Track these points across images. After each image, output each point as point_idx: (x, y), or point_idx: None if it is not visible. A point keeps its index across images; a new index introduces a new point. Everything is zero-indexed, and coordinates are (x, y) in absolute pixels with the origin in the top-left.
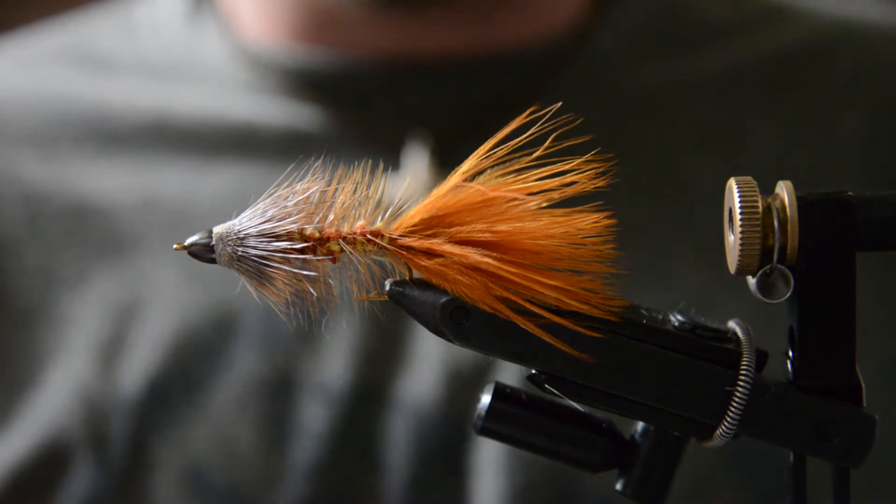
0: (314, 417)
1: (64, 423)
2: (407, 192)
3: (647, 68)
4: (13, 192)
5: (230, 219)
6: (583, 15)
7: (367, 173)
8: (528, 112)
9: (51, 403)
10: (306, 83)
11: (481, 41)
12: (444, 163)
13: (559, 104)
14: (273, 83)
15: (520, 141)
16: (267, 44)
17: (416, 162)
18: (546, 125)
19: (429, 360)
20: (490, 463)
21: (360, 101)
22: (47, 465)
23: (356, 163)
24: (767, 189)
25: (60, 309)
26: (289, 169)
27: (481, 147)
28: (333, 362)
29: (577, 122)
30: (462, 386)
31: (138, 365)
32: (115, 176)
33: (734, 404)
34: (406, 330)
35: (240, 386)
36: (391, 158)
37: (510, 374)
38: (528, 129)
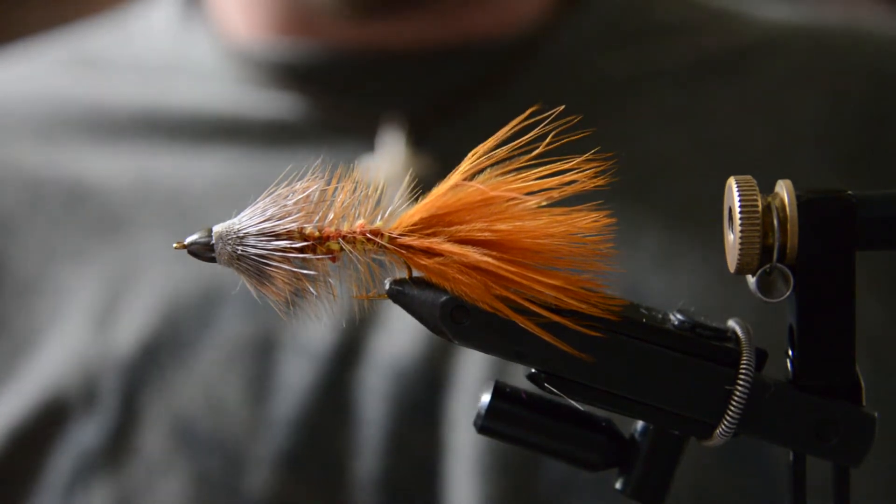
0: (296, 374)
1: (60, 383)
2: (384, 171)
3: (610, 60)
4: (13, 178)
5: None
6: (547, 12)
7: (366, 172)
8: (527, 112)
9: (48, 365)
10: (287, 75)
11: (452, 34)
12: (419, 143)
13: (562, 107)
14: (257, 76)
15: (521, 141)
16: (251, 40)
17: (391, 143)
18: (541, 123)
19: (406, 318)
20: (465, 414)
21: (337, 90)
22: (45, 421)
23: (336, 148)
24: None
25: (58, 281)
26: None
27: (480, 146)
28: (316, 322)
29: (571, 118)
30: (438, 342)
31: (131, 328)
32: (110, 161)
33: (734, 403)
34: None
35: (226, 346)
36: (368, 142)
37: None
38: (525, 128)
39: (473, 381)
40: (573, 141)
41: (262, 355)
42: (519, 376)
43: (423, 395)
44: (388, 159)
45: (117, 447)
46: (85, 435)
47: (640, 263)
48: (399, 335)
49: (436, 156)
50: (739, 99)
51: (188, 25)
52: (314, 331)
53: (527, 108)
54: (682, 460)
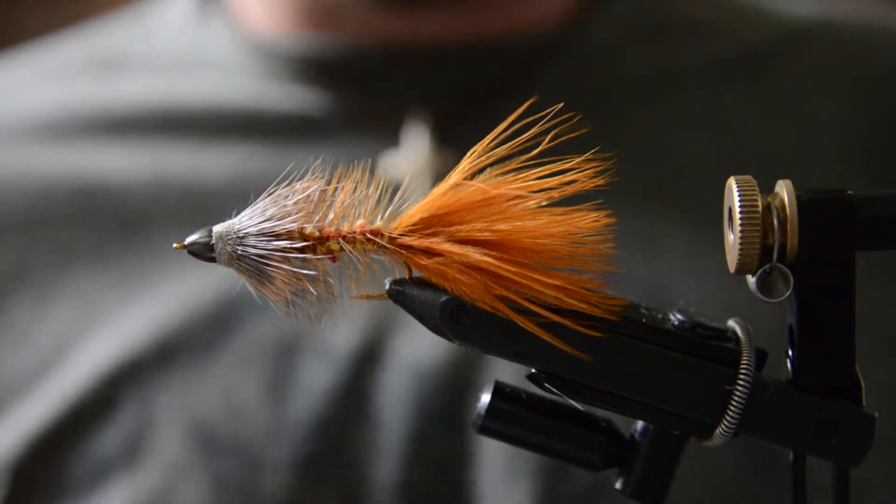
0: (316, 376)
1: (80, 392)
2: (408, 167)
3: (635, 58)
4: (25, 181)
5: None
6: (573, 10)
7: (367, 171)
8: (522, 108)
9: (69, 372)
10: (310, 69)
11: (476, 30)
12: (443, 139)
13: (560, 105)
14: (277, 69)
15: (519, 141)
16: (272, 33)
17: (416, 138)
18: (543, 121)
19: None
20: None
21: (360, 85)
22: (65, 427)
23: (357, 143)
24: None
25: (77, 284)
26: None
27: (479, 144)
28: (337, 325)
29: (573, 115)
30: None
31: (148, 331)
32: (125, 159)
33: (734, 403)
34: None
35: (245, 349)
36: (391, 138)
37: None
38: (527, 125)
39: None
40: (588, 141)
41: (282, 358)
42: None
43: (446, 399)
44: (412, 156)
45: (136, 451)
46: (104, 439)
47: (665, 265)
48: (421, 338)
49: (460, 152)
50: (763, 99)
51: (205, 20)
52: (335, 333)
53: (551, 106)
54: (682, 461)
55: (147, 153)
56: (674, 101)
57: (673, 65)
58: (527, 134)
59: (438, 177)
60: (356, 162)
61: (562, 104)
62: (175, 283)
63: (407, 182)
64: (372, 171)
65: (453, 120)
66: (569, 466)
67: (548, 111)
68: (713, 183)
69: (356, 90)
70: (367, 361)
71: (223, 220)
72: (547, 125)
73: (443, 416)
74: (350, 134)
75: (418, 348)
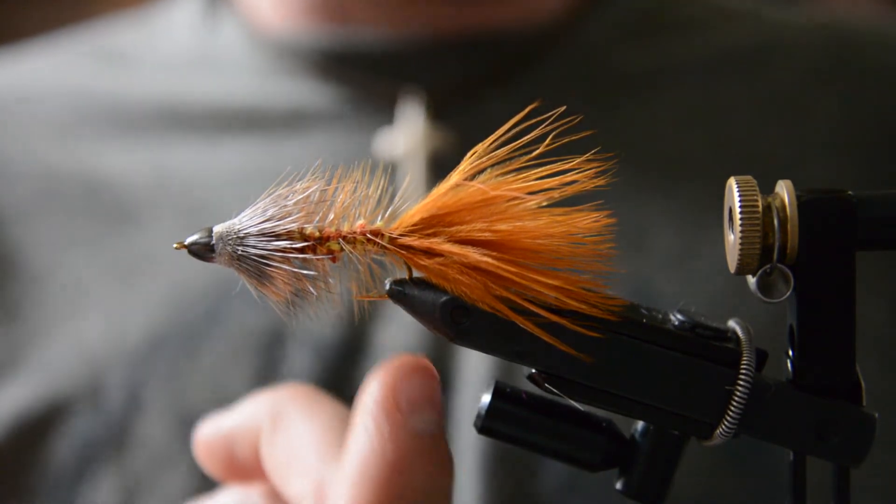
0: (301, 366)
1: (67, 374)
2: (402, 145)
3: (631, 54)
4: (29, 170)
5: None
6: (571, 4)
7: (367, 172)
8: (527, 110)
9: (57, 355)
10: (317, 61)
11: (479, 20)
12: (438, 119)
13: (562, 108)
14: (285, 64)
15: (520, 143)
16: (281, 28)
17: (411, 117)
18: (543, 123)
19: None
20: (467, 413)
21: (363, 75)
22: (49, 412)
23: (358, 135)
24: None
25: (71, 271)
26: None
27: (479, 145)
28: (321, 317)
29: (573, 118)
30: (443, 340)
31: (139, 320)
32: (126, 154)
33: (734, 403)
34: None
35: (234, 338)
36: (388, 121)
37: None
38: (526, 127)
39: (476, 380)
40: (582, 137)
41: (269, 347)
42: (522, 374)
43: None
44: (406, 133)
45: (123, 437)
46: (89, 425)
47: (653, 263)
48: (404, 330)
49: (454, 132)
50: (757, 98)
51: (213, 19)
52: (321, 324)
53: (545, 100)
54: (682, 461)
55: (149, 149)
56: (667, 97)
57: (667, 61)
58: (527, 137)
59: (432, 155)
60: (357, 153)
61: (564, 107)
62: (167, 273)
63: (407, 182)
64: (372, 172)
65: (448, 101)
66: (544, 461)
67: (549, 114)
68: (704, 180)
69: (359, 81)
70: (350, 352)
71: (223, 216)
72: (547, 128)
73: None
74: (351, 123)
75: (400, 340)
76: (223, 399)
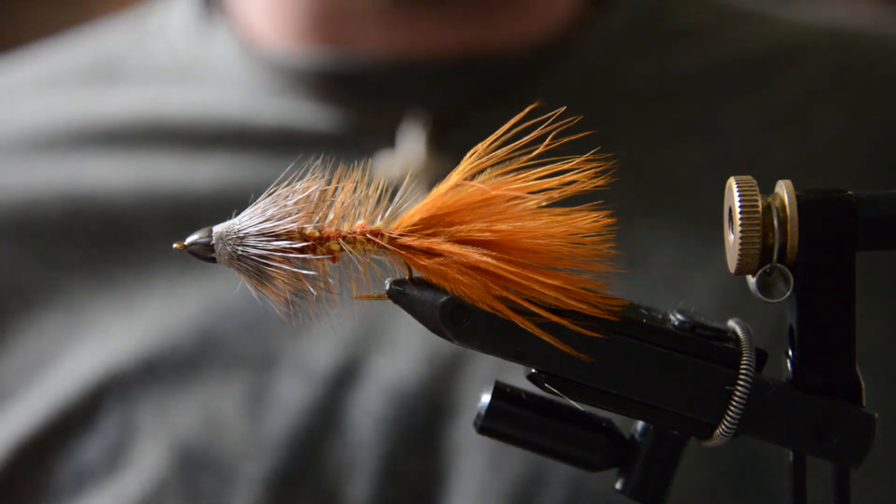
0: (293, 393)
1: (65, 399)
2: (402, 170)
3: (631, 67)
4: (13, 189)
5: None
6: (572, 18)
7: (367, 172)
8: (526, 111)
9: (55, 381)
10: (312, 81)
11: (478, 39)
12: (439, 144)
13: (563, 108)
14: (280, 82)
15: (520, 143)
16: (276, 46)
17: (412, 141)
18: (543, 124)
19: (409, 340)
20: (466, 443)
21: (361, 96)
22: (49, 436)
23: (355, 150)
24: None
25: (65, 294)
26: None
27: (480, 145)
28: (316, 342)
29: (572, 118)
30: (441, 366)
31: (134, 343)
32: (111, 170)
33: (734, 403)
34: (388, 312)
35: (226, 363)
36: (388, 144)
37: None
38: (526, 128)
39: (476, 410)
40: (581, 141)
41: (261, 373)
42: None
43: (422, 421)
44: (407, 158)
45: (117, 461)
46: (86, 448)
47: (652, 280)
48: (401, 358)
49: (455, 157)
50: (761, 108)
51: (207, 28)
52: (314, 350)
53: (548, 114)
54: (681, 460)
55: (136, 164)
56: (670, 110)
57: (670, 74)
58: (527, 137)
59: (432, 180)
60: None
61: (564, 108)
62: (160, 296)
63: (407, 182)
64: (372, 172)
65: (450, 124)
66: (545, 489)
67: (549, 115)
68: (708, 192)
69: (357, 102)
70: (344, 379)
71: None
72: (547, 129)
73: (418, 437)
74: (347, 146)
75: (396, 368)
76: (214, 425)
